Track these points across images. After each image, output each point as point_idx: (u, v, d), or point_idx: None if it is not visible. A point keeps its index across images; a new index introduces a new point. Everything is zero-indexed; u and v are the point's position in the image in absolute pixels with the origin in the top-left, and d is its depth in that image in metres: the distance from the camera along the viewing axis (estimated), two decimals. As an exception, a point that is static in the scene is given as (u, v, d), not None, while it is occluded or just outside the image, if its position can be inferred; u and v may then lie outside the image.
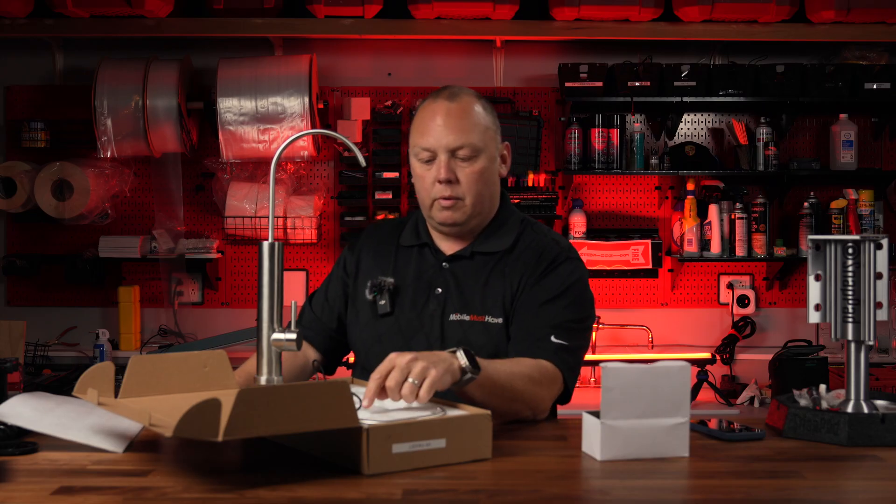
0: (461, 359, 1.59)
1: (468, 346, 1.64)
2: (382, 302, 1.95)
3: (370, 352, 1.95)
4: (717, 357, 3.95)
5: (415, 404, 1.56)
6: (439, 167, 1.90)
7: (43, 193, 3.83)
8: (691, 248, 3.96)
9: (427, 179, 1.92)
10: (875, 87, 3.88)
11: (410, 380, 1.51)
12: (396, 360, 1.54)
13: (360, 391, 1.68)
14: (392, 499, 1.26)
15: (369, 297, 1.97)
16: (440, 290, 1.95)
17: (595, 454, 1.46)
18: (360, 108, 3.95)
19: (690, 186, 3.99)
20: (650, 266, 3.93)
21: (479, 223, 1.98)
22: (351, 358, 2.11)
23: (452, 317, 1.92)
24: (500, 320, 1.90)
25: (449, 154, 1.90)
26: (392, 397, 1.51)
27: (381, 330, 1.96)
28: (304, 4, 3.83)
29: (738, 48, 4.07)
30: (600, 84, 3.89)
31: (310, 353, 2.05)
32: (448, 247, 2.00)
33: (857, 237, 1.61)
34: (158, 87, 3.83)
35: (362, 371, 1.94)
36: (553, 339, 1.84)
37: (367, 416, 1.46)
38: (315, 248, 4.15)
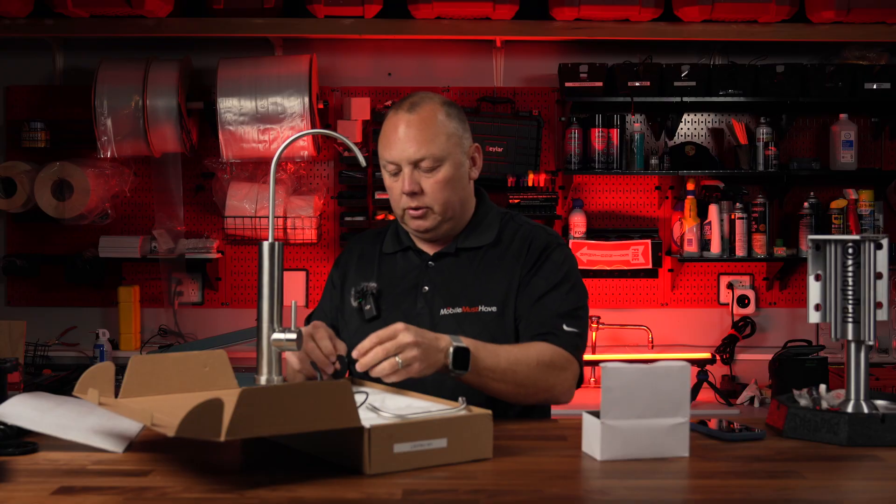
0: (449, 359, 1.68)
1: (464, 337, 1.66)
2: (368, 307, 1.98)
3: None
4: (717, 357, 3.95)
5: (417, 404, 1.57)
6: (403, 180, 1.93)
7: (43, 193, 3.83)
8: (691, 248, 3.96)
9: (396, 191, 1.96)
10: (875, 87, 3.88)
11: (397, 359, 1.61)
12: (400, 335, 1.63)
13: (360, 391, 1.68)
14: (392, 499, 1.26)
15: (354, 303, 2.00)
16: (427, 287, 1.97)
17: (595, 454, 1.46)
18: (360, 108, 3.95)
19: (690, 186, 3.99)
20: (650, 266, 3.93)
21: (454, 227, 2.00)
22: None
23: (444, 311, 1.94)
24: (493, 309, 1.92)
25: (412, 166, 1.92)
26: (370, 362, 1.62)
27: (369, 334, 1.96)
28: (304, 4, 3.83)
29: (738, 48, 4.07)
30: (600, 84, 3.89)
31: None
32: (430, 248, 2.03)
33: (857, 237, 1.61)
34: (158, 87, 3.83)
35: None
36: (566, 327, 1.89)
37: (368, 416, 1.46)
38: (315, 248, 4.14)
